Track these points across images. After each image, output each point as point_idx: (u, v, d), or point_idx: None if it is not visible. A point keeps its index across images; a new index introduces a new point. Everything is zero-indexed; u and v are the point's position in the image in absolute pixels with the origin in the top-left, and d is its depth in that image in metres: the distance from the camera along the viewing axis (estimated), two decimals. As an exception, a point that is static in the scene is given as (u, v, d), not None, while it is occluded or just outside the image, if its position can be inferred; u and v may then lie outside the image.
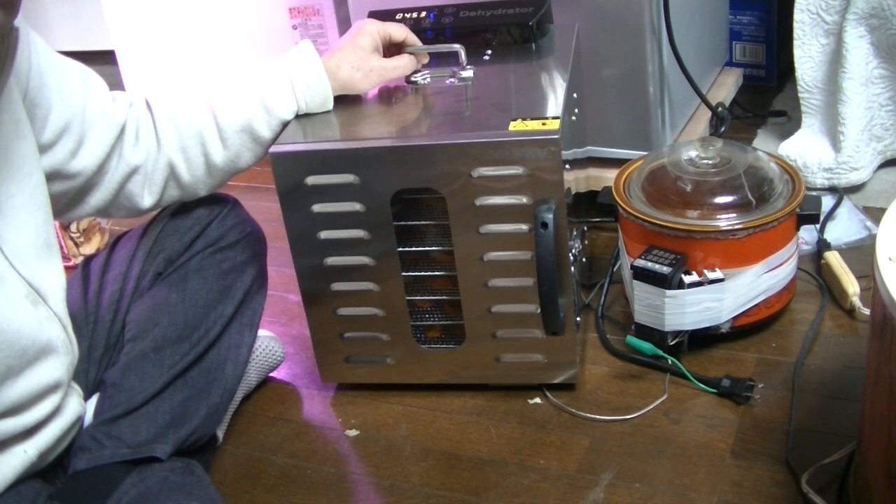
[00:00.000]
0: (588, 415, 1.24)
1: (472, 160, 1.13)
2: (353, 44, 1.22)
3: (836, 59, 1.60)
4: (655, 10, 1.48)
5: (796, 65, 1.65)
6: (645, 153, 1.45)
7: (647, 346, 1.28)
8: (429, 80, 1.29)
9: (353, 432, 1.28)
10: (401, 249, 1.21)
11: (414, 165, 1.14)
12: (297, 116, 1.20)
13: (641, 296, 1.25)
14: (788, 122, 1.90)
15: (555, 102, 1.18)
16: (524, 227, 1.15)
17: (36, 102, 1.00)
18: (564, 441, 1.21)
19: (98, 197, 1.12)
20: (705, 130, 1.73)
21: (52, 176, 1.04)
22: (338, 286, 1.24)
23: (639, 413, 1.23)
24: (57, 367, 0.99)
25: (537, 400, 1.28)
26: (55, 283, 1.00)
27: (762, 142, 1.85)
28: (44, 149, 1.02)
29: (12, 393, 0.94)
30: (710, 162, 1.31)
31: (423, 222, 1.25)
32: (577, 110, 1.32)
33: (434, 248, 1.25)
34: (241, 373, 1.23)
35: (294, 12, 2.03)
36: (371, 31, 1.23)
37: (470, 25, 1.37)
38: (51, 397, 1.00)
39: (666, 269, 1.22)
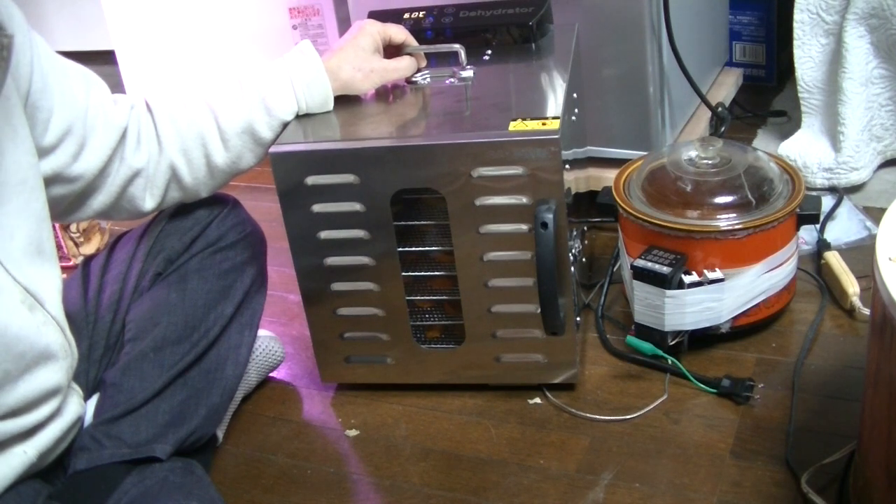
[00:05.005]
0: (588, 415, 1.24)
1: (472, 160, 1.13)
2: (353, 44, 1.22)
3: (836, 59, 1.60)
4: (655, 10, 1.48)
5: (796, 65, 1.65)
6: (645, 153, 1.45)
7: (647, 346, 1.28)
8: (429, 80, 1.30)
9: (352, 432, 1.28)
10: (401, 249, 1.21)
11: (414, 165, 1.14)
12: (298, 116, 1.20)
13: (641, 296, 1.25)
14: (788, 122, 1.90)
15: (555, 102, 1.18)
16: (524, 227, 1.15)
17: (38, 106, 1.00)
18: (564, 441, 1.21)
19: (100, 200, 1.12)
20: (705, 130, 1.73)
21: (53, 179, 1.04)
22: (338, 286, 1.24)
23: (639, 413, 1.23)
24: (56, 371, 0.99)
25: (537, 400, 1.28)
26: (51, 287, 1.00)
27: (762, 142, 1.85)
28: (45, 152, 1.02)
29: (11, 398, 0.94)
30: (710, 162, 1.31)
31: (423, 222, 1.25)
32: (577, 110, 1.32)
33: (434, 248, 1.25)
34: (241, 373, 1.23)
35: (294, 12, 2.04)
36: (372, 32, 1.24)
37: (470, 25, 1.37)
38: (50, 401, 1.00)
39: (666, 269, 1.22)
